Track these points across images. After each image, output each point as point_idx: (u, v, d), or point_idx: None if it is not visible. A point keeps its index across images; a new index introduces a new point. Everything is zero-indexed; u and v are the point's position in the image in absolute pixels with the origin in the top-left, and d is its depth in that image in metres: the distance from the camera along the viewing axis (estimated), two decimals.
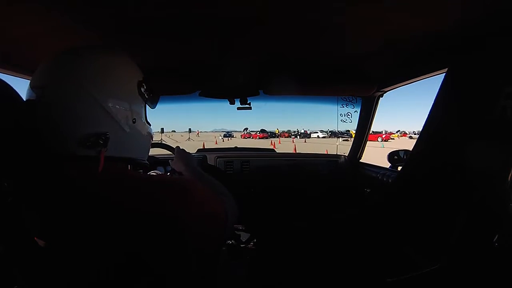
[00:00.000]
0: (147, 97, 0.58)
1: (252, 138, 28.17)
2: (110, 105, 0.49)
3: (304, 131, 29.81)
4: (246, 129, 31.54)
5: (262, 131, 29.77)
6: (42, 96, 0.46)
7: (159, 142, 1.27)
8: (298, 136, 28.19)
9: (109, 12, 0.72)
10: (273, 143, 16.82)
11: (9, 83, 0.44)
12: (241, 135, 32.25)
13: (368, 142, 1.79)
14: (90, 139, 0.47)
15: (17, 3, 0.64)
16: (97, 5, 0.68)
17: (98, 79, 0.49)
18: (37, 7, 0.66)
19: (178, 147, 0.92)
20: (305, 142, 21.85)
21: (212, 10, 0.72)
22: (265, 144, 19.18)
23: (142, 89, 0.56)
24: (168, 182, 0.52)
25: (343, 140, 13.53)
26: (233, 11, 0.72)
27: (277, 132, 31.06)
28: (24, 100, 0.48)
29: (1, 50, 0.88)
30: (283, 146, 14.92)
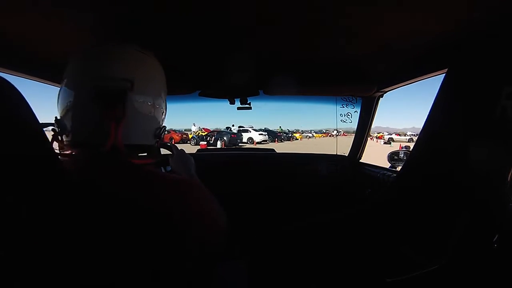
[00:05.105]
0: None
1: None
2: (163, 102, 0.59)
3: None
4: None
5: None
6: (130, 89, 0.50)
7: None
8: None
9: (109, 12, 0.72)
10: None
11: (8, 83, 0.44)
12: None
13: None
14: (160, 130, 0.56)
15: (17, 2, 0.64)
16: (97, 5, 0.68)
17: (162, 79, 0.59)
18: (38, 7, 0.66)
19: (177, 147, 0.92)
20: None
21: (211, 11, 0.72)
22: None
23: None
24: (172, 180, 0.52)
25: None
26: (232, 11, 0.72)
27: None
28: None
29: (1, 49, 0.88)
30: None
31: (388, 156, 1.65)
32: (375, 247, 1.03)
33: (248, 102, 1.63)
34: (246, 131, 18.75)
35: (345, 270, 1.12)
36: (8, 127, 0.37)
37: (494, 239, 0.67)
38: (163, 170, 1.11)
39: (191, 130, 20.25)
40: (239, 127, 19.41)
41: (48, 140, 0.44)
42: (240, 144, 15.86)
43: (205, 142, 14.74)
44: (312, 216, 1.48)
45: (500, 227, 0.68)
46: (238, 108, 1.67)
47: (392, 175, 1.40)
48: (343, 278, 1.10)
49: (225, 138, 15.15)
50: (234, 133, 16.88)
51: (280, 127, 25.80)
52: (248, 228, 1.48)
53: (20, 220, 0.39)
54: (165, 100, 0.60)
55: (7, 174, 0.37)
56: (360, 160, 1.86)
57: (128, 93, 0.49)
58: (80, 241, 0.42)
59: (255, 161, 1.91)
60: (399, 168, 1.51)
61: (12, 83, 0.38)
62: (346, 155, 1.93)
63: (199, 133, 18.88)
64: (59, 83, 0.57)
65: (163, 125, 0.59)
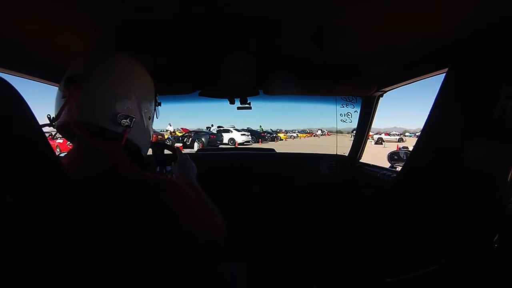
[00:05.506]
0: (156, 105, 0.72)
1: None
2: (141, 100, 0.63)
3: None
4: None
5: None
6: (89, 79, 0.56)
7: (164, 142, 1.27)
8: None
9: (110, 12, 0.72)
10: None
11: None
12: None
13: None
14: (121, 117, 0.58)
15: (17, 2, 0.64)
16: (97, 5, 0.68)
17: (138, 80, 0.63)
18: (38, 7, 0.66)
19: (181, 152, 0.93)
20: None
21: (211, 10, 0.72)
22: None
23: (156, 97, 0.72)
24: (164, 183, 0.56)
25: None
26: (232, 11, 0.72)
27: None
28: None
29: (1, 49, 0.88)
30: None
31: (388, 156, 1.65)
32: (376, 247, 1.03)
33: (248, 102, 1.63)
34: (227, 131, 17.33)
35: (345, 270, 1.12)
36: (7, 128, 0.37)
37: (495, 239, 0.67)
38: (164, 172, 1.11)
39: (167, 130, 18.83)
40: (218, 127, 18.07)
41: (47, 140, 0.44)
42: (220, 146, 14.49)
43: (181, 144, 13.23)
44: (312, 216, 1.48)
45: (500, 227, 0.67)
46: (238, 108, 1.66)
47: (392, 175, 1.40)
48: (344, 278, 1.10)
49: (203, 139, 14.07)
50: (213, 134, 15.98)
51: (260, 126, 24.28)
52: (247, 228, 1.48)
53: (19, 220, 0.39)
54: (136, 97, 0.62)
55: (6, 174, 0.37)
56: (360, 160, 1.86)
57: (83, 80, 0.56)
58: (65, 239, 0.43)
59: (255, 160, 1.91)
60: (399, 168, 1.52)
61: (12, 83, 0.38)
62: (346, 154, 1.93)
63: (176, 133, 17.61)
64: (58, 83, 0.58)
65: (130, 116, 0.60)
